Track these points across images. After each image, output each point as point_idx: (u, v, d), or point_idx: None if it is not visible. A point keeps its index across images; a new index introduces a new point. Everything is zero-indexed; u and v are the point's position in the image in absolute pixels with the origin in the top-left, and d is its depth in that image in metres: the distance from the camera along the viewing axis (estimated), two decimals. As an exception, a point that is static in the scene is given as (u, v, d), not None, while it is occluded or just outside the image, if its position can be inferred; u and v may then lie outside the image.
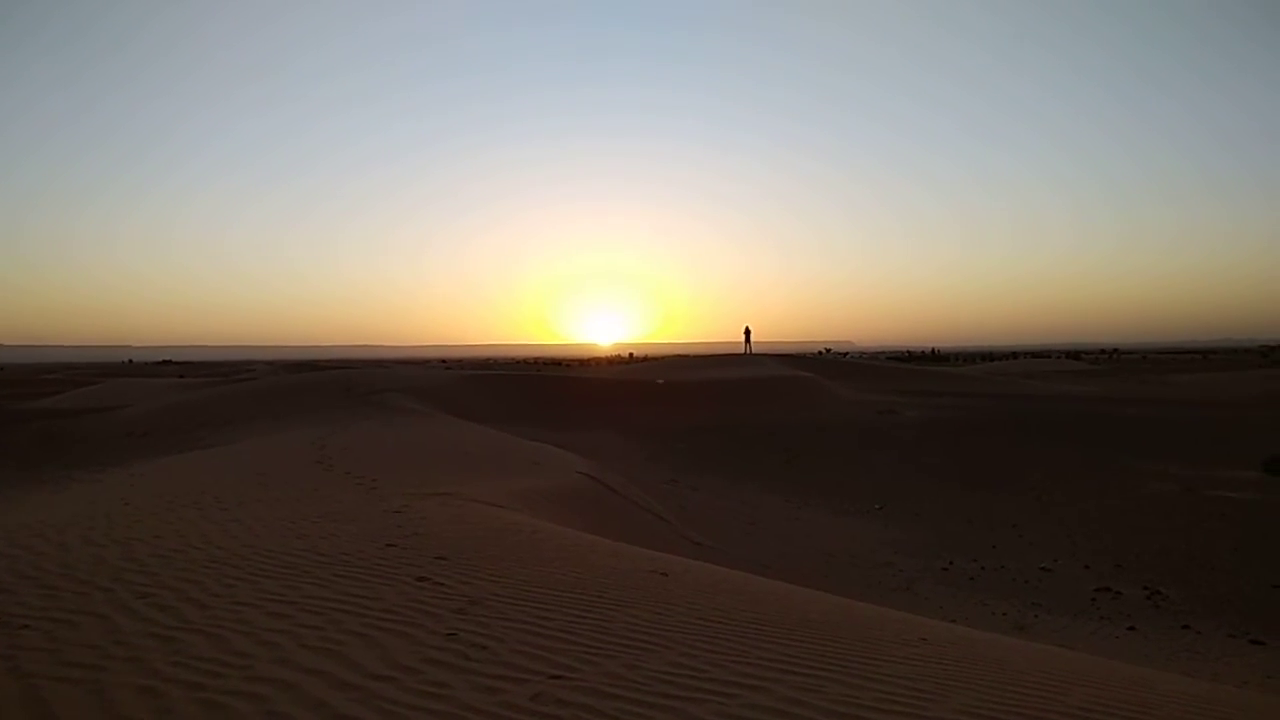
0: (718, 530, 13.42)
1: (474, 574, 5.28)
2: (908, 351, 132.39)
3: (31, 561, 5.59)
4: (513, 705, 3.12)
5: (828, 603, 5.71)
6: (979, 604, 10.09)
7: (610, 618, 4.42)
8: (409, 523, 7.15)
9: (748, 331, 49.70)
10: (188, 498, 9.04)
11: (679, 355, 67.97)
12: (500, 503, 9.25)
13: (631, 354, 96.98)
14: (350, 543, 6.19)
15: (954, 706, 3.34)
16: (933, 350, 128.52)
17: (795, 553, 12.47)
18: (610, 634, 4.11)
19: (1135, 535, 13.12)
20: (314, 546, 6.02)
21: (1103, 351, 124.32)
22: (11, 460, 17.06)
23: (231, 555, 5.70)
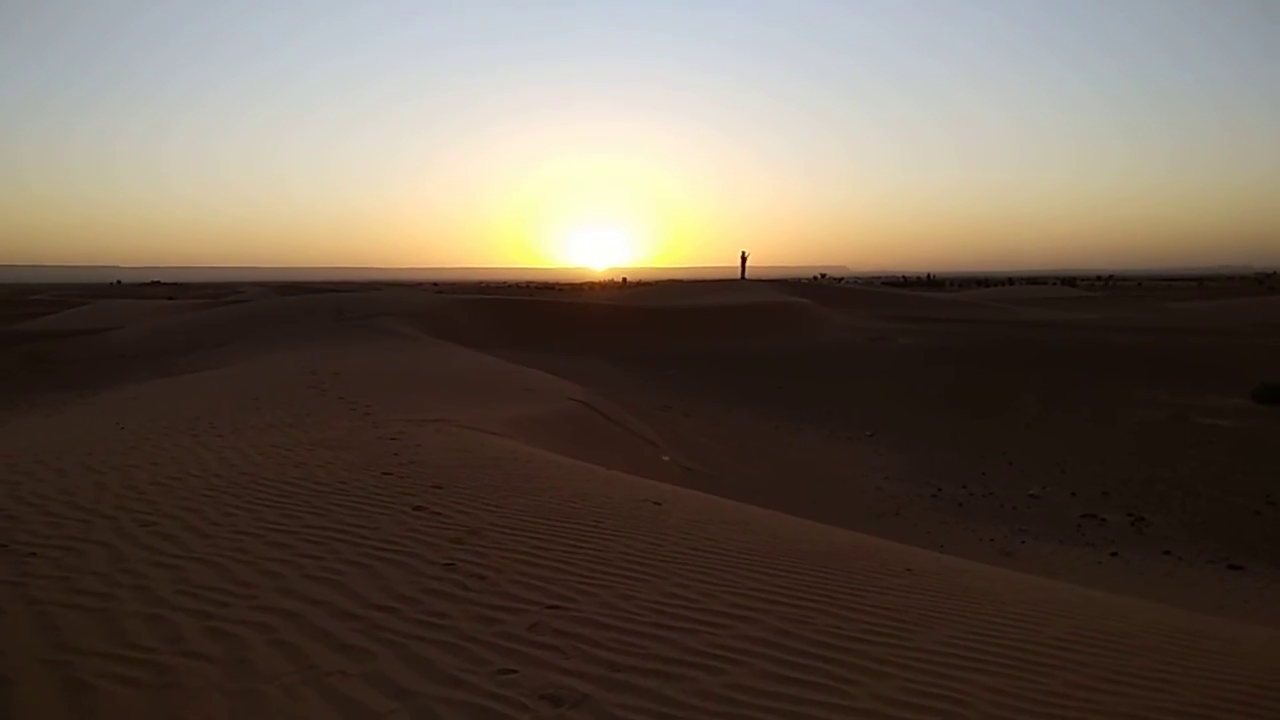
0: (709, 456, 13.60)
1: (470, 503, 5.36)
2: (903, 277, 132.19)
3: (32, 488, 5.65)
4: (511, 635, 3.21)
5: (816, 532, 5.83)
6: (967, 530, 10.33)
7: (606, 547, 4.51)
8: (404, 450, 7.22)
9: (744, 256, 49.49)
10: (183, 423, 9.10)
11: (674, 280, 67.71)
12: (495, 430, 9.33)
13: (625, 279, 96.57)
14: (347, 471, 6.26)
15: (937, 638, 3.44)
16: (928, 276, 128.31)
17: (786, 479, 12.68)
18: (606, 564, 4.20)
19: (1123, 462, 13.35)
20: (311, 475, 6.09)
21: (1098, 278, 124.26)
22: (1, 383, 17.06)
23: (229, 483, 5.77)
